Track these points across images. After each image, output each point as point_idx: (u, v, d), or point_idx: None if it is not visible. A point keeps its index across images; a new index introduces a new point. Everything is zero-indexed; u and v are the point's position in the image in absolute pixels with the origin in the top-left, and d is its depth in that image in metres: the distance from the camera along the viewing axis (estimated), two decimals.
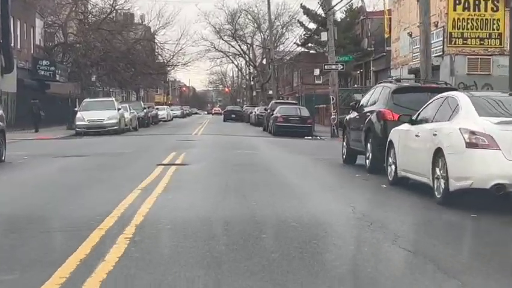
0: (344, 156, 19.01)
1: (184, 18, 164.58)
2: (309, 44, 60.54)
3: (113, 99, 41.92)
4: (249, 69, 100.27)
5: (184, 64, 61.99)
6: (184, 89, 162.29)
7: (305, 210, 10.40)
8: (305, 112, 40.57)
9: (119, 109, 39.89)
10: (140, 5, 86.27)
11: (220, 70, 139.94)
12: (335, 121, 37.75)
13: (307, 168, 18.03)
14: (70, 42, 57.88)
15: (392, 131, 14.20)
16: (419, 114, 13.05)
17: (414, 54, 42.28)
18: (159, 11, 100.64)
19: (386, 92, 16.51)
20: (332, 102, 38.30)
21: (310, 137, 38.78)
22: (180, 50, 61.75)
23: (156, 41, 62.70)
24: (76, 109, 39.66)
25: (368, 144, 16.28)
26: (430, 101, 13.06)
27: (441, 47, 37.85)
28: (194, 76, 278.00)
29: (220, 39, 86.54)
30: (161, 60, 62.44)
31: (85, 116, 38.12)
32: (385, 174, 14.22)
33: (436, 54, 38.26)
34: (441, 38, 37.86)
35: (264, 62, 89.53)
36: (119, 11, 58.21)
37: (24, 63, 47.86)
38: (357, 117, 17.92)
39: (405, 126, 13.28)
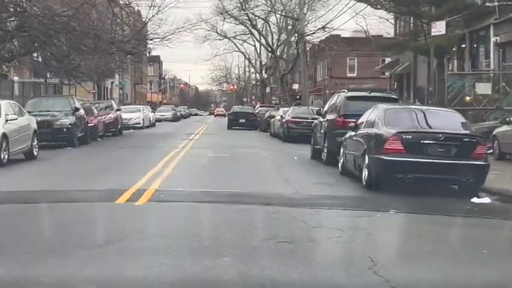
0: None
1: None
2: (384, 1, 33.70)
3: None
4: (260, 58, 73.55)
5: (163, 38, 35.53)
6: (182, 86, 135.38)
7: None
8: (461, 125, 13.68)
9: None
10: None
11: (224, 65, 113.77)
12: None
13: None
14: None
15: None
16: None
17: None
18: None
19: None
20: None
21: (486, 199, 12.17)
22: (157, 13, 35.14)
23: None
24: None
25: None
26: None
27: None
28: (195, 72, 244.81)
29: (224, 21, 60.23)
30: (127, 32, 35.79)
31: None
32: None
33: None
34: None
35: (278, 51, 62.70)
36: None
37: None
38: None
39: None
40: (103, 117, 32.90)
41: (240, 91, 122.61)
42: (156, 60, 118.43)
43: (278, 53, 58.47)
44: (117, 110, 36.12)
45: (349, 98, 18.52)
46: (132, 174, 14.47)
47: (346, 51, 60.81)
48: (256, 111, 49.09)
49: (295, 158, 20.39)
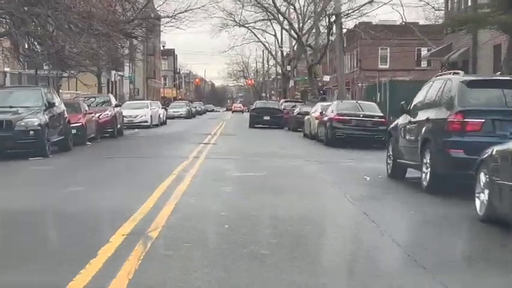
0: None
1: None
2: None
3: None
4: (282, 48, 66.01)
5: (173, 16, 28.18)
6: (197, 80, 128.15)
7: None
8: None
9: None
10: None
11: (241, 59, 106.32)
12: None
13: None
14: None
15: None
16: None
17: None
18: None
19: None
20: None
21: None
22: None
23: None
24: None
25: None
26: None
27: None
28: (211, 66, 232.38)
29: (243, 8, 52.86)
30: (128, 8, 28.31)
31: None
32: None
33: None
34: None
35: (304, 40, 54.94)
36: None
37: None
38: None
39: None
40: (96, 115, 25.57)
41: (258, 86, 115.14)
42: (170, 53, 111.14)
43: (304, 40, 50.60)
44: (116, 105, 28.75)
45: (470, 84, 10.87)
46: (97, 229, 7.12)
47: (386, 38, 53.33)
48: (283, 108, 41.56)
49: (367, 178, 12.87)
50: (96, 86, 50.94)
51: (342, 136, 22.67)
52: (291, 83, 61.20)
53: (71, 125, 21.18)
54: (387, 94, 38.79)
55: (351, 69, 65.11)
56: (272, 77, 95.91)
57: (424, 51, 62.73)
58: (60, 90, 43.41)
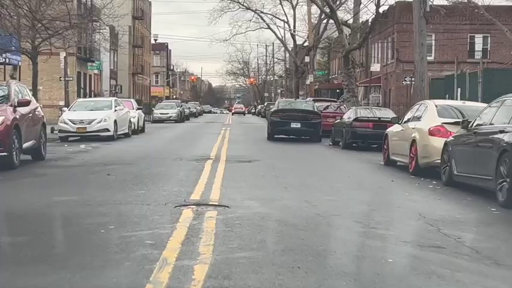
0: None
1: None
2: None
3: None
4: (296, 33, 51.20)
5: None
6: (193, 78, 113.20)
7: None
8: None
9: None
10: None
11: (241, 57, 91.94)
12: None
13: None
14: None
15: None
16: None
17: None
18: None
19: None
20: None
21: None
22: None
23: None
24: None
25: None
26: None
27: None
28: (207, 62, 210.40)
29: None
30: None
31: None
32: None
33: None
34: None
35: (336, 14, 39.96)
36: None
37: None
38: None
39: None
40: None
41: (260, 85, 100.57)
42: (163, 48, 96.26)
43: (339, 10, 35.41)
44: (20, 103, 13.85)
45: None
46: None
47: (433, 22, 38.72)
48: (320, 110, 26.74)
49: None
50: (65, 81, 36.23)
51: None
52: (310, 78, 46.29)
53: None
54: (479, 89, 24.08)
55: (385, 62, 50.34)
56: (278, 73, 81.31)
57: (479, 38, 48.78)
58: None
